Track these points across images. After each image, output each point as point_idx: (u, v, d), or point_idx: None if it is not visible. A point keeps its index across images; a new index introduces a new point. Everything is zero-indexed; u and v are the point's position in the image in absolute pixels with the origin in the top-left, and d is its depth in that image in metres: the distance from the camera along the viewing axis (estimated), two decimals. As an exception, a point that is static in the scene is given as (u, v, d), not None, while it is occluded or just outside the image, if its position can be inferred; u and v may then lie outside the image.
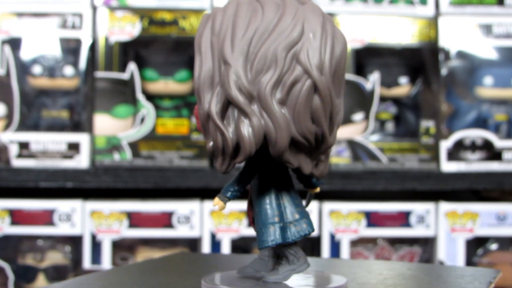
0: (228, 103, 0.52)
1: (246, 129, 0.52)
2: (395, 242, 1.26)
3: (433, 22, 1.24)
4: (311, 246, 1.23)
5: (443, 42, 1.24)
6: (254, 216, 0.57)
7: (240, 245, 1.21)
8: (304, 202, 0.59)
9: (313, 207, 1.20)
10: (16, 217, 1.18)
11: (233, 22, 0.53)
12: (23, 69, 1.21)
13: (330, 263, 0.79)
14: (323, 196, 1.23)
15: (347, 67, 1.22)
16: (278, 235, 0.55)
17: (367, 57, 1.27)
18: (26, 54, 1.21)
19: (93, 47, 1.20)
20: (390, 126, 1.29)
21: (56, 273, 1.20)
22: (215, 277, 0.59)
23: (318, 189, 0.60)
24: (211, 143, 0.53)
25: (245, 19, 0.53)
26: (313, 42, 0.52)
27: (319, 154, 0.55)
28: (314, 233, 1.23)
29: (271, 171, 0.56)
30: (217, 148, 0.53)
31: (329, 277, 0.60)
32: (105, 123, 1.20)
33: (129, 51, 1.24)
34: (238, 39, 0.52)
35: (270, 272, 0.57)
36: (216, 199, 0.56)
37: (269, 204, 0.56)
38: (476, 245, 1.24)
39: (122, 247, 1.22)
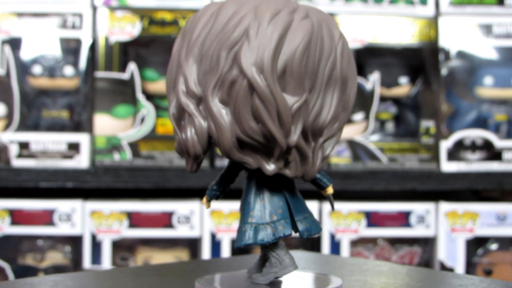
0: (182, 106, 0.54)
1: (189, 131, 0.53)
2: (395, 242, 1.26)
3: (433, 22, 1.24)
4: (311, 246, 1.23)
5: (443, 42, 1.24)
6: None
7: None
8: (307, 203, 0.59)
9: (313, 207, 1.20)
10: (16, 217, 1.18)
11: (194, 25, 0.54)
12: (23, 69, 1.21)
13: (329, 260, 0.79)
14: (322, 196, 1.22)
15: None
16: (250, 236, 0.54)
17: (367, 57, 1.27)
18: (26, 54, 1.21)
19: (93, 47, 1.20)
20: (390, 126, 1.29)
21: (56, 273, 1.20)
22: (209, 279, 0.59)
23: (329, 190, 0.59)
24: (175, 144, 0.55)
25: (204, 21, 0.54)
26: (253, 40, 0.51)
27: (283, 155, 0.53)
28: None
29: (255, 171, 0.55)
30: (178, 149, 0.54)
31: (324, 278, 0.60)
32: (105, 123, 1.20)
33: (129, 51, 1.24)
34: (193, 41, 0.53)
35: (257, 274, 0.57)
36: (204, 198, 0.59)
37: (248, 204, 0.55)
38: (476, 245, 1.24)
39: (122, 247, 1.22)
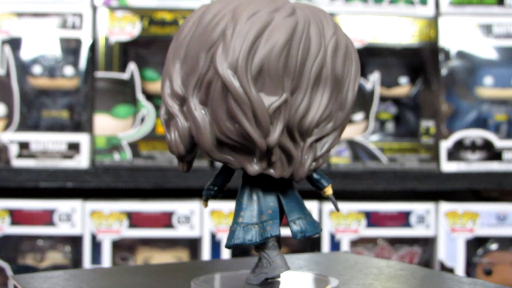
0: None
1: (173, 131, 0.54)
2: (395, 242, 1.26)
3: (433, 22, 1.24)
4: (311, 246, 1.23)
5: (443, 42, 1.24)
6: None
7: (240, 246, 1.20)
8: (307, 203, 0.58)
9: (313, 207, 1.20)
10: (16, 217, 1.18)
11: (182, 27, 0.55)
12: (23, 69, 1.21)
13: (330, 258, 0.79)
14: (322, 196, 1.22)
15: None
16: (239, 236, 0.54)
17: (367, 57, 1.27)
18: (26, 54, 1.21)
19: (93, 47, 1.20)
20: (390, 126, 1.29)
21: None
22: (206, 279, 0.59)
23: (328, 191, 0.58)
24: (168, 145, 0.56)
25: (191, 23, 0.54)
26: (228, 41, 0.51)
27: (266, 155, 0.53)
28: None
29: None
30: (169, 150, 0.56)
31: (321, 278, 0.60)
32: (105, 123, 1.20)
33: (129, 51, 1.24)
34: (179, 43, 0.54)
35: (251, 274, 0.57)
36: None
37: (240, 204, 0.55)
38: (476, 245, 1.24)
39: (122, 247, 1.22)
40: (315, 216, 1.20)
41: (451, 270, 1.22)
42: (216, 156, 0.53)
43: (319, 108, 0.54)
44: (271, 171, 0.53)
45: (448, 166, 1.23)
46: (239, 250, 1.20)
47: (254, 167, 0.53)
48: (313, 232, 0.56)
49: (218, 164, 1.20)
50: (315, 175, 0.57)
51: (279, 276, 0.56)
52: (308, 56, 0.53)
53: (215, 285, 0.58)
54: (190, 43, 0.53)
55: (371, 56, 1.27)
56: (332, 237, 1.22)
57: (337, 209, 0.59)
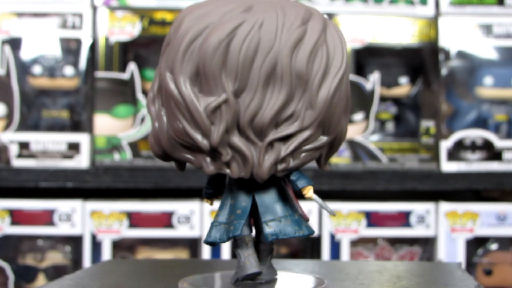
0: None
1: (150, 133, 0.56)
2: (395, 242, 1.26)
3: (433, 22, 1.24)
4: (311, 246, 1.23)
5: (443, 42, 1.24)
6: None
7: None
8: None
9: (313, 207, 1.20)
10: (16, 217, 1.18)
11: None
12: (23, 69, 1.21)
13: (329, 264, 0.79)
14: (323, 196, 1.22)
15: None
16: (211, 234, 0.55)
17: (367, 57, 1.27)
18: (26, 54, 1.21)
19: (93, 47, 1.20)
20: (390, 126, 1.29)
21: (56, 273, 1.20)
22: (192, 279, 0.59)
23: (307, 193, 0.55)
24: None
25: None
26: (171, 44, 0.53)
27: (217, 155, 0.53)
28: (314, 233, 1.23)
29: None
30: None
31: (308, 279, 0.60)
32: (105, 123, 1.20)
33: (129, 51, 1.24)
34: (163, 47, 0.56)
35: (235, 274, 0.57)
36: None
37: (221, 203, 0.56)
38: (476, 245, 1.24)
39: (122, 247, 1.22)
40: (315, 216, 1.20)
41: (451, 270, 1.21)
42: (176, 156, 0.54)
43: (273, 106, 0.52)
44: (227, 171, 0.53)
45: (448, 166, 1.23)
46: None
47: (209, 167, 0.53)
48: (288, 235, 0.54)
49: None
50: (292, 176, 0.55)
51: (252, 277, 0.55)
52: (256, 54, 0.51)
53: (200, 285, 0.57)
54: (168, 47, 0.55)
55: (371, 56, 1.27)
56: (332, 237, 1.22)
57: (329, 212, 0.57)
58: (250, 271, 0.54)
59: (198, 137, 0.52)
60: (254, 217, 0.56)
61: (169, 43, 0.54)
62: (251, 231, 0.56)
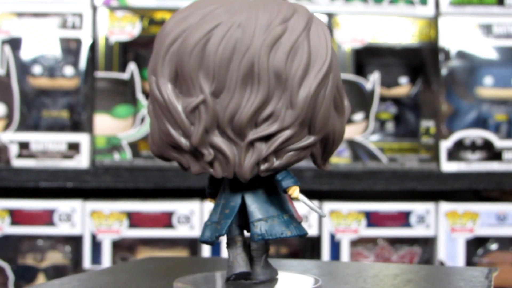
0: None
1: (149, 132, 0.56)
2: (395, 242, 1.26)
3: (433, 22, 1.24)
4: (311, 246, 1.23)
5: (443, 42, 1.24)
6: None
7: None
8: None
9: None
10: (16, 217, 1.18)
11: None
12: (23, 69, 1.21)
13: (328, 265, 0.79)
14: (323, 196, 1.23)
15: (346, 67, 1.22)
16: (204, 234, 0.56)
17: (367, 57, 1.27)
18: (26, 54, 1.21)
19: (93, 47, 1.20)
20: (390, 126, 1.29)
21: (56, 273, 1.20)
22: (188, 279, 0.59)
23: (292, 193, 0.54)
24: None
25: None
26: (155, 46, 0.54)
27: (199, 154, 0.53)
28: (314, 233, 1.23)
29: None
30: None
31: (301, 279, 0.60)
32: (105, 123, 1.20)
33: (129, 51, 1.24)
34: None
35: None
36: None
37: (215, 203, 0.57)
38: (476, 245, 1.24)
39: (122, 247, 1.22)
40: (314, 216, 1.20)
41: (451, 270, 1.22)
42: (167, 155, 0.55)
43: (251, 106, 0.51)
44: (211, 170, 0.54)
45: (448, 166, 1.23)
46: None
47: (195, 167, 0.54)
48: (274, 236, 0.53)
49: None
50: (278, 176, 0.54)
51: (242, 277, 0.55)
52: (233, 55, 0.51)
53: (197, 284, 0.57)
54: None
55: (371, 56, 1.27)
56: (332, 237, 1.22)
57: (319, 214, 0.55)
58: (237, 270, 0.55)
59: (179, 137, 0.53)
60: (246, 217, 0.56)
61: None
62: (242, 230, 0.56)
